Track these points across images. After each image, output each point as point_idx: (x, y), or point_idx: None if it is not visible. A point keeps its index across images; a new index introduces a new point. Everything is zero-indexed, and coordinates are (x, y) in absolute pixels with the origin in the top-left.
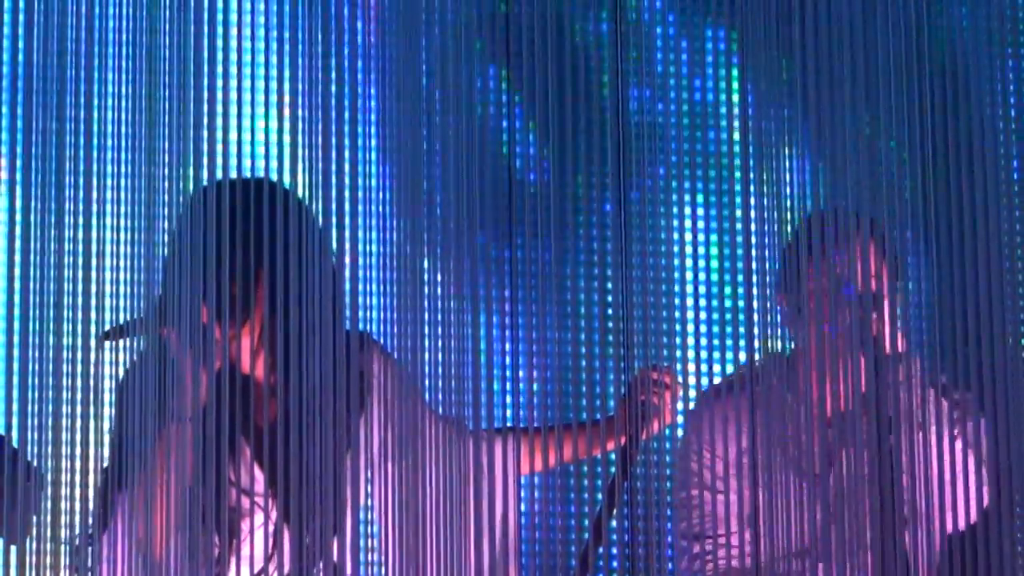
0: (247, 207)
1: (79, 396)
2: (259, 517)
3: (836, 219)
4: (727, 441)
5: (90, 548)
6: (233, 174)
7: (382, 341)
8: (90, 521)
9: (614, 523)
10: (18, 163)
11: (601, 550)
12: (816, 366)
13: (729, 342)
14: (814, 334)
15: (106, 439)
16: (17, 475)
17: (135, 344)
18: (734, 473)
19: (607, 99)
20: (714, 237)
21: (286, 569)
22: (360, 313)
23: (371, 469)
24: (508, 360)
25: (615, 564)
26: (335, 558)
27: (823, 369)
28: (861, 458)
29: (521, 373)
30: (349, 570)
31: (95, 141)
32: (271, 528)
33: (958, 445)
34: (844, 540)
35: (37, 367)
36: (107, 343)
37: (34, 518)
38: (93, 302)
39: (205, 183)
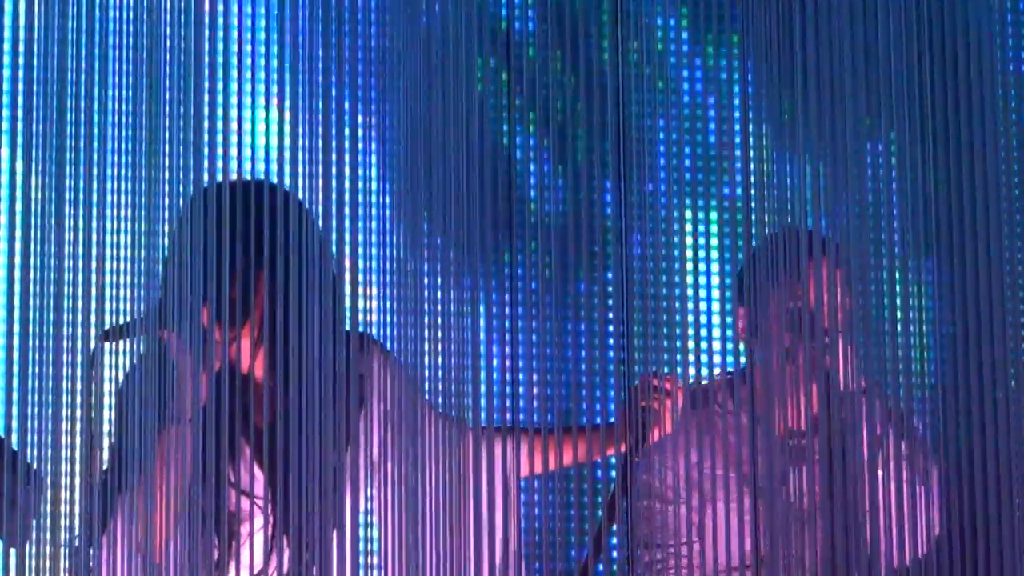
0: (247, 208)
1: (79, 399)
2: (259, 519)
3: (798, 240)
4: (676, 453)
5: (90, 551)
6: (233, 176)
7: (383, 342)
8: (90, 523)
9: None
10: (19, 165)
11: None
12: (769, 386)
13: (730, 346)
14: (773, 355)
15: (106, 441)
16: (17, 478)
17: (135, 346)
18: (684, 485)
19: (608, 100)
20: (715, 241)
21: (285, 569)
22: (360, 316)
23: (371, 468)
24: (508, 363)
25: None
26: (334, 559)
27: (777, 390)
28: (812, 477)
29: (521, 376)
30: (349, 571)
31: (95, 144)
32: (270, 530)
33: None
34: (791, 557)
35: (37, 369)
36: (107, 344)
37: (34, 521)
38: (93, 304)
39: (205, 185)
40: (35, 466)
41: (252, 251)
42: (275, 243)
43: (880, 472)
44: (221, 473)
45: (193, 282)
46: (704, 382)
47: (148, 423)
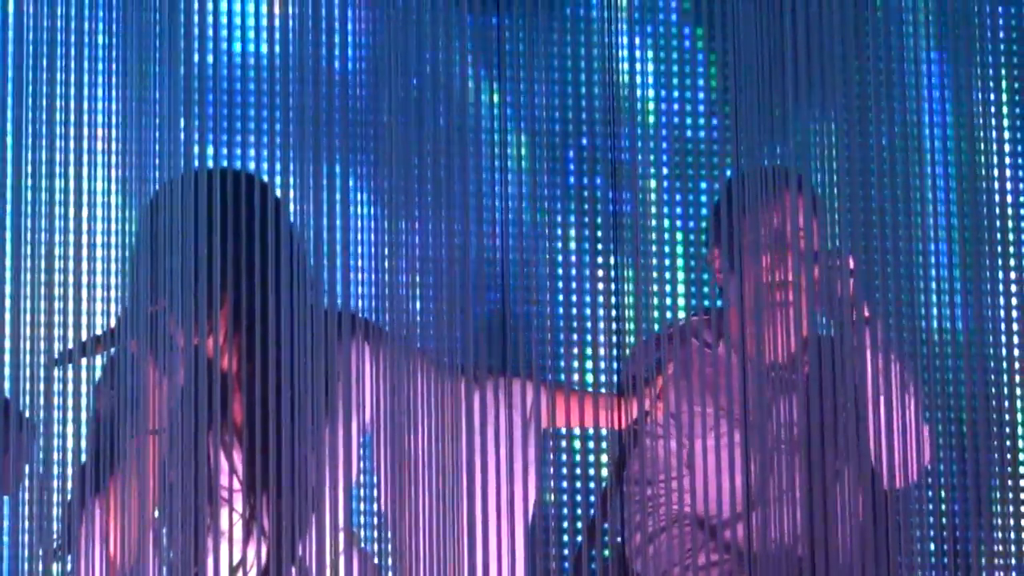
0: (203, 203)
1: (70, 344)
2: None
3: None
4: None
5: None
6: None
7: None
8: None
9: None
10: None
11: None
12: (751, 317)
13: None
14: (750, 286)
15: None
16: (10, 425)
17: (92, 361)
18: (674, 423)
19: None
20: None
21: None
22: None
23: (365, 431)
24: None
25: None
26: (327, 530)
27: (759, 320)
28: (801, 409)
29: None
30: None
31: (85, 145)
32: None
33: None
34: (779, 490)
35: (29, 317)
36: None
37: (26, 467)
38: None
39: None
40: (28, 414)
41: (216, 242)
42: (239, 230)
43: (883, 399)
44: (200, 470)
45: (154, 289)
46: (682, 320)
47: (117, 432)
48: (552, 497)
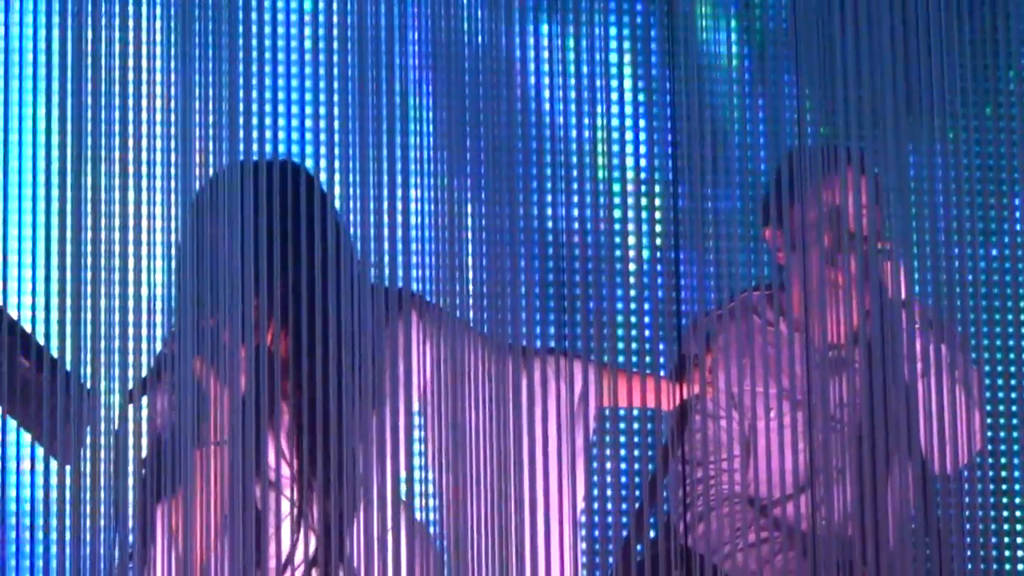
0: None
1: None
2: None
3: (825, 153)
4: (717, 369)
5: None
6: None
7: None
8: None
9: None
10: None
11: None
12: (810, 298)
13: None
14: (814, 265)
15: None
16: (70, 394)
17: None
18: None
19: None
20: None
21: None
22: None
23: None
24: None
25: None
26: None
27: (818, 301)
28: (854, 389)
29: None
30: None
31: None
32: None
33: (947, 386)
34: (832, 470)
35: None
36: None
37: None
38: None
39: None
40: (85, 383)
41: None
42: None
43: (921, 380)
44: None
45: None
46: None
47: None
48: (608, 479)
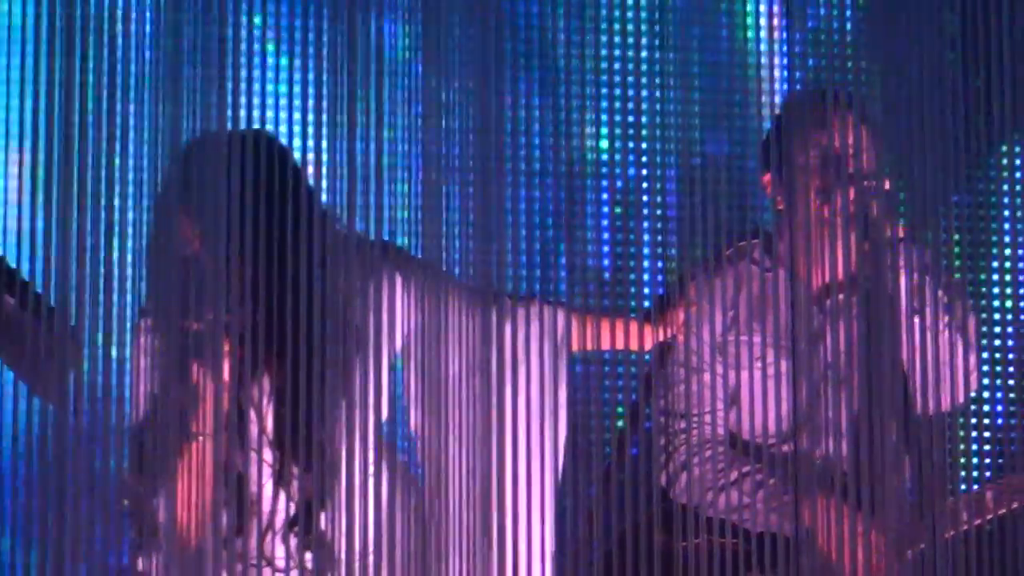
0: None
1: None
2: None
3: (821, 98)
4: (702, 320)
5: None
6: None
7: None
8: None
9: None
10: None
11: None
12: (805, 241)
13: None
14: (804, 209)
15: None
16: (55, 334)
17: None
18: (716, 353)
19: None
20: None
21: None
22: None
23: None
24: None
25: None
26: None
27: (812, 244)
28: (849, 334)
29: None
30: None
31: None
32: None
33: (943, 328)
34: (826, 418)
35: (78, 228)
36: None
37: (71, 375)
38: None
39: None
40: (73, 322)
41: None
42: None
43: (917, 320)
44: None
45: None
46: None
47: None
48: (589, 422)
